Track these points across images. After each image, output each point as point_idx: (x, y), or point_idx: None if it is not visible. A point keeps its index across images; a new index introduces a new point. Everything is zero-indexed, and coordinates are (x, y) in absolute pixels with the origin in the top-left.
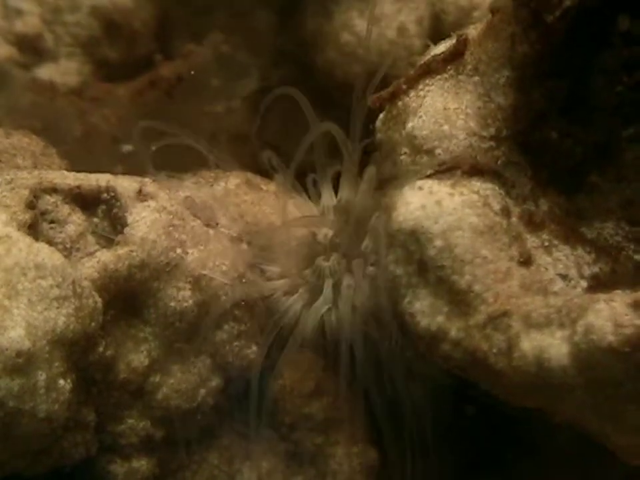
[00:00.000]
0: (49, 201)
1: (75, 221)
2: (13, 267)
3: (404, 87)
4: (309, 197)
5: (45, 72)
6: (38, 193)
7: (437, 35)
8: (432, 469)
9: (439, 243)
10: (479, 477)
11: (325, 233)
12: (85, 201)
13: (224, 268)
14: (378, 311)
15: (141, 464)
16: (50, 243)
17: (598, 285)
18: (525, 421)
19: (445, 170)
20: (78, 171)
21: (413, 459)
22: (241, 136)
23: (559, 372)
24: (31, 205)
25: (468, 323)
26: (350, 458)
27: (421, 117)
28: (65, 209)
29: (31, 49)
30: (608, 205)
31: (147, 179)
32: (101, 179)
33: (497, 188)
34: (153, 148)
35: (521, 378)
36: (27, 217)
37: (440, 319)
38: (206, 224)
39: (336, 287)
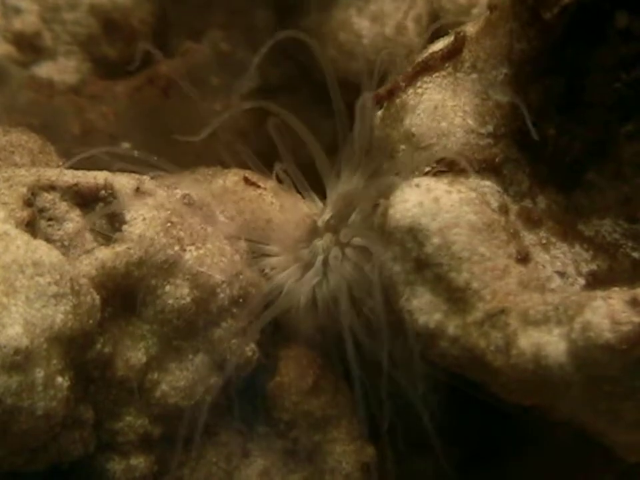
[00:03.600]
0: (46, 198)
1: (73, 219)
2: (10, 264)
3: (402, 84)
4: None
5: (43, 70)
6: (36, 190)
7: (435, 32)
8: (430, 465)
9: (436, 240)
10: (476, 474)
11: (324, 218)
12: (83, 199)
13: (222, 265)
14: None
15: (139, 461)
16: (48, 240)
17: (595, 282)
18: (522, 418)
19: (443, 167)
20: (76, 169)
21: (410, 455)
22: (240, 134)
23: (556, 369)
24: (28, 203)
25: (466, 320)
26: (348, 455)
27: (418, 114)
28: (63, 207)
29: (29, 47)
30: (606, 202)
31: (144, 177)
32: (98, 177)
33: (494, 185)
34: None
35: (519, 375)
36: (24, 214)
37: (438, 316)
38: (204, 221)
39: (327, 262)
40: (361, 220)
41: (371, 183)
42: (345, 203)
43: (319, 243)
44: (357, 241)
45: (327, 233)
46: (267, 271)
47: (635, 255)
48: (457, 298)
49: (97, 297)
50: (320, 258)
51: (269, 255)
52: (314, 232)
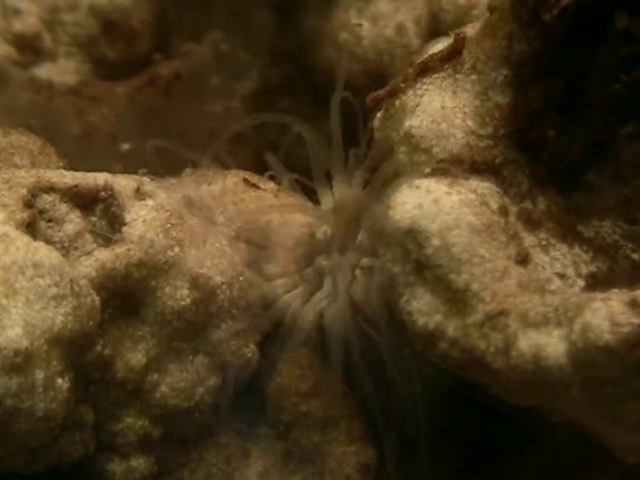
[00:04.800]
0: (46, 199)
1: (72, 220)
2: (10, 265)
3: (401, 85)
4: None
5: (43, 71)
6: (36, 191)
7: (435, 33)
8: (429, 467)
9: (436, 241)
10: (476, 476)
11: (324, 230)
12: (83, 200)
13: (222, 267)
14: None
15: (139, 462)
16: (48, 241)
17: (595, 283)
18: (522, 419)
19: (443, 169)
20: (76, 170)
21: (410, 457)
22: (240, 135)
23: (556, 370)
24: (28, 204)
25: (465, 321)
26: (348, 456)
27: (418, 115)
28: (63, 208)
29: (29, 49)
30: (606, 204)
31: (144, 178)
32: (98, 178)
33: (494, 187)
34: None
35: (519, 377)
36: (24, 215)
37: (437, 317)
38: (204, 222)
39: (335, 283)
40: (368, 238)
41: (369, 191)
42: (346, 214)
43: (325, 264)
44: (365, 262)
45: (332, 251)
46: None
47: (635, 256)
48: (456, 299)
49: (97, 299)
50: (328, 279)
51: (272, 277)
52: (313, 244)
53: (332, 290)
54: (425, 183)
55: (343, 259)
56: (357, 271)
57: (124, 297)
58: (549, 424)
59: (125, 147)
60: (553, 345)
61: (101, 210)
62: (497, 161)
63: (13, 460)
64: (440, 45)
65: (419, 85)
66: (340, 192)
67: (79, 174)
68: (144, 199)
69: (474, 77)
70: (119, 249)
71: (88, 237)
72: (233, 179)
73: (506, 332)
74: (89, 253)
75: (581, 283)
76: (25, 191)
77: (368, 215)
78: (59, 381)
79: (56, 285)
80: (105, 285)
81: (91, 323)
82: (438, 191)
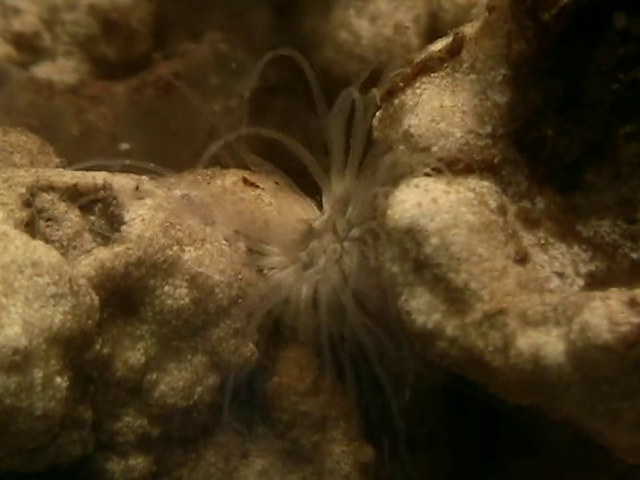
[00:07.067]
0: (45, 198)
1: (71, 219)
2: (9, 264)
3: (401, 84)
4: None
5: (43, 70)
6: (35, 190)
7: (434, 32)
8: (427, 466)
9: (434, 240)
10: (474, 475)
11: (322, 219)
12: (82, 199)
13: (220, 266)
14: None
15: (138, 461)
16: (47, 240)
17: (594, 282)
18: (521, 418)
19: (441, 168)
20: (75, 169)
21: (408, 456)
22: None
23: (554, 370)
24: (27, 203)
25: (464, 320)
26: (347, 455)
27: (417, 114)
28: (62, 207)
29: (29, 48)
30: (604, 203)
31: (143, 177)
32: (97, 177)
33: (493, 186)
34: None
35: (517, 376)
36: (23, 214)
37: (436, 316)
38: (203, 222)
39: (327, 259)
40: (358, 213)
41: (366, 180)
42: (343, 203)
43: (317, 245)
44: (354, 233)
45: (326, 233)
46: (265, 271)
47: (634, 255)
48: (455, 298)
49: (96, 298)
50: (321, 257)
51: (267, 255)
52: (311, 233)
53: (324, 265)
54: (423, 182)
55: (334, 237)
56: (346, 243)
57: (123, 296)
58: (547, 423)
59: (124, 146)
60: (551, 344)
61: (99, 209)
62: (495, 160)
63: (12, 459)
64: (439, 44)
65: (417, 84)
66: (339, 192)
67: (78, 173)
68: (143, 198)
69: (473, 76)
70: (118, 248)
71: (87, 235)
72: (231, 178)
73: (505, 331)
74: (87, 252)
75: (580, 282)
76: (24, 190)
77: (359, 194)
78: (58, 379)
79: (55, 283)
80: (104, 284)
81: (89, 322)
82: (436, 190)
